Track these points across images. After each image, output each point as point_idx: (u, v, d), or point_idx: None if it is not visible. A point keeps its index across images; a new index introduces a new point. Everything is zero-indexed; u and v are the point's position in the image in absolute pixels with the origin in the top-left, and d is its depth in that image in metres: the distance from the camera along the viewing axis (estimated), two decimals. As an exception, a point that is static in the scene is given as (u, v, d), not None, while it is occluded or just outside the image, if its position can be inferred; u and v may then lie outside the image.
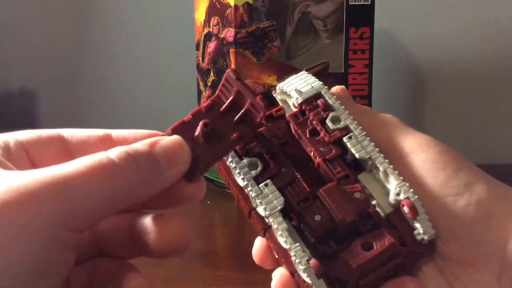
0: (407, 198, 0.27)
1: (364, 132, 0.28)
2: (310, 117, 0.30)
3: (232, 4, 0.66)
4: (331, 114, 0.29)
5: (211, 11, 0.72)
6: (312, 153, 0.29)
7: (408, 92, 0.93)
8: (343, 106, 0.30)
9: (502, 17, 0.89)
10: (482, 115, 0.92)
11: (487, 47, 0.89)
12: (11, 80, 0.93)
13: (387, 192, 0.28)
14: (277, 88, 0.32)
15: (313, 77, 0.31)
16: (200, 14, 0.76)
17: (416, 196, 0.27)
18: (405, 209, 0.27)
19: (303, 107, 0.30)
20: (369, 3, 0.67)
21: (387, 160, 0.28)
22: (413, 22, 0.90)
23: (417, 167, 0.27)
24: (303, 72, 0.32)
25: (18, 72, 0.93)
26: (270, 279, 0.27)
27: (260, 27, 0.67)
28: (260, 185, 0.28)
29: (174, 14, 0.90)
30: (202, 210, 0.67)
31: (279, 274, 0.27)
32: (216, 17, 0.71)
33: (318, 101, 0.30)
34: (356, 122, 0.29)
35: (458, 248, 0.26)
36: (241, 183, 0.28)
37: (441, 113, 0.92)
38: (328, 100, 0.30)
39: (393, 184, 0.27)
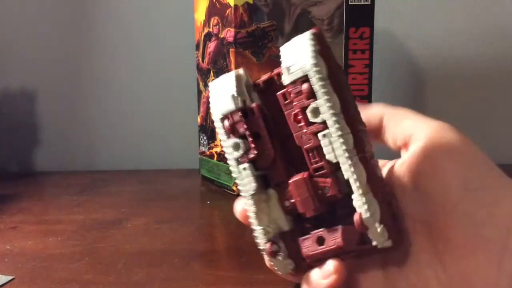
0: (360, 213, 0.27)
1: (340, 133, 0.27)
2: (294, 102, 0.28)
3: (232, 4, 0.66)
4: (311, 105, 0.27)
5: (211, 11, 0.72)
6: (295, 138, 0.29)
7: (408, 92, 0.93)
8: (326, 97, 0.27)
9: (502, 17, 0.89)
10: (482, 115, 0.92)
11: (487, 47, 0.90)
12: (11, 80, 0.93)
13: None
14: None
15: (311, 46, 0.27)
16: (200, 14, 0.76)
17: (369, 214, 0.26)
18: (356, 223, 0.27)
19: (289, 89, 0.28)
20: (369, 3, 0.67)
21: (352, 169, 0.26)
22: (413, 22, 0.90)
23: (434, 151, 0.28)
24: (308, 34, 0.27)
25: (18, 72, 0.93)
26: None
27: (260, 27, 0.67)
28: (239, 167, 0.29)
29: (174, 14, 0.90)
30: (202, 210, 0.67)
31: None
32: (216, 17, 0.71)
33: (303, 85, 0.27)
34: (335, 118, 0.27)
35: (460, 229, 0.26)
36: (228, 161, 0.30)
37: (441, 113, 0.92)
38: (314, 86, 0.27)
39: (353, 195, 0.27)
